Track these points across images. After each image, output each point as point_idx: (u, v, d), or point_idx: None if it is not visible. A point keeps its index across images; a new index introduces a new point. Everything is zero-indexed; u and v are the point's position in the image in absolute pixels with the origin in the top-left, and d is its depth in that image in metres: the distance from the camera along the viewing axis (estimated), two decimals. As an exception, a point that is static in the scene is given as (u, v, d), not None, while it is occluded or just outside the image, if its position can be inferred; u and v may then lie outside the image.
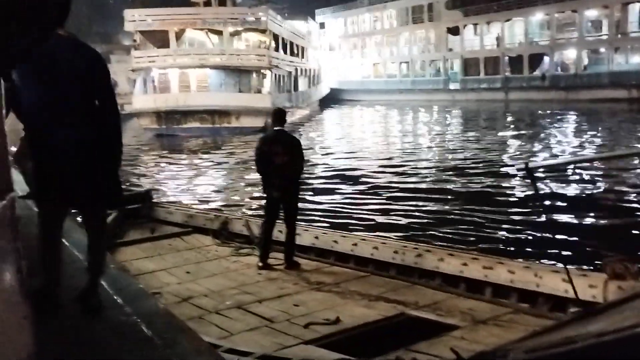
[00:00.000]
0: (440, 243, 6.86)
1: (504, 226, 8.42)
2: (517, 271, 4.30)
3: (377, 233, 8.23)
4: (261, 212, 7.48)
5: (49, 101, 2.69)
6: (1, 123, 1.64)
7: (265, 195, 5.63)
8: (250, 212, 9.28)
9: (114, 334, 2.63)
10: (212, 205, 10.99)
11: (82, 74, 2.74)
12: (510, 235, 7.94)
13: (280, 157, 5.42)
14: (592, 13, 39.79)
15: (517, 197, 10.29)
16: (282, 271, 5.32)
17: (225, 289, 4.83)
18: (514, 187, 11.28)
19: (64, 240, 3.59)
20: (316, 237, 5.79)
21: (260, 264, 5.43)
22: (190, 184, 14.56)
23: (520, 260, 4.66)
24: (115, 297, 3.04)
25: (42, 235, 2.78)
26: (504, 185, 11.72)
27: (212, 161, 18.66)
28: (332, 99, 50.06)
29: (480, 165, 14.63)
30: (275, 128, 5.60)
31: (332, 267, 5.41)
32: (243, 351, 3.40)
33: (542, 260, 5.79)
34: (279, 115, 5.68)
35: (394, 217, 9.53)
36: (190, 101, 27.67)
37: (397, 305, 4.26)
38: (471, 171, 13.67)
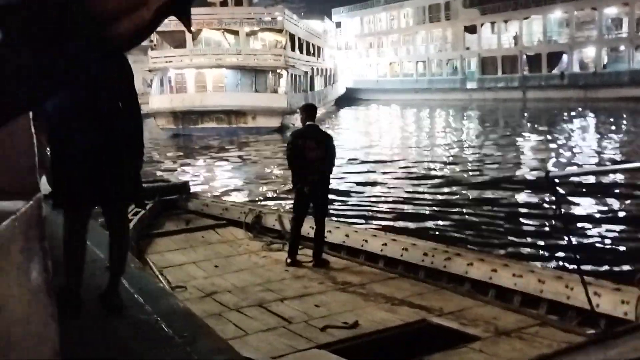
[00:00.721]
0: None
1: (521, 232, 8.25)
2: (548, 281, 4.09)
3: (404, 225, 8.16)
4: (284, 207, 7.41)
5: (75, 103, 2.72)
6: (28, 122, 1.67)
7: (295, 190, 5.55)
8: (269, 206, 9.24)
9: (135, 333, 2.66)
10: (233, 198, 11.04)
11: (106, 75, 2.78)
12: (529, 243, 7.75)
13: (313, 152, 5.39)
14: (611, 11, 39.18)
15: (538, 203, 10.03)
16: (310, 269, 5.25)
17: (250, 286, 4.81)
18: (534, 192, 10.96)
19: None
20: (347, 235, 5.69)
21: (288, 261, 5.40)
22: (212, 180, 14.67)
23: (552, 269, 4.47)
24: (136, 296, 3.07)
25: (66, 236, 2.81)
26: (524, 189, 11.43)
27: (233, 159, 18.77)
28: (348, 99, 49.99)
29: (500, 167, 14.42)
30: (307, 123, 5.57)
31: (361, 266, 5.32)
32: (246, 357, 3.33)
33: (551, 269, 5.57)
34: (310, 110, 5.69)
35: (413, 217, 9.47)
36: (206, 101, 27.73)
37: (420, 310, 4.15)
38: (490, 174, 13.46)
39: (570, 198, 10.02)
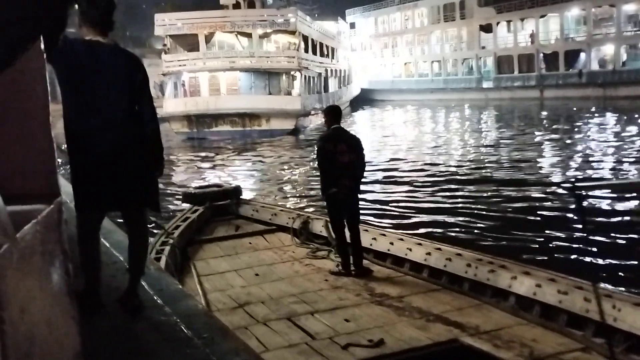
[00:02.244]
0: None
1: (547, 240, 7.98)
2: (594, 300, 3.63)
3: (425, 229, 7.94)
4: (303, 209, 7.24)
5: (94, 108, 2.75)
6: (48, 127, 1.68)
7: (326, 197, 5.36)
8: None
9: (155, 334, 2.67)
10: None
11: (125, 79, 2.81)
12: (552, 251, 7.44)
13: (345, 155, 5.23)
14: (630, 7, 38.51)
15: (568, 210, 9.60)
16: (350, 279, 5.07)
17: (285, 296, 4.71)
18: (562, 197, 10.38)
19: (104, 240, 3.68)
20: (391, 244, 5.48)
21: (343, 271, 5.20)
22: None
23: (601, 285, 4.08)
24: (155, 298, 3.08)
25: (80, 239, 2.84)
26: (551, 194, 10.82)
27: (252, 162, 18.83)
28: (363, 100, 49.86)
29: (524, 171, 14.09)
30: (333, 126, 5.40)
31: (404, 277, 5.10)
32: None
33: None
34: (335, 112, 5.52)
35: (435, 221, 9.34)
36: (220, 104, 27.71)
37: (453, 329, 3.91)
38: (514, 178, 13.08)
39: (600, 206, 9.41)
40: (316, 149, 5.48)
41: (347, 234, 5.36)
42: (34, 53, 1.59)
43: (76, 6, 2.72)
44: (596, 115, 28.34)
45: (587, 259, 6.95)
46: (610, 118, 27.08)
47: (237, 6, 31.74)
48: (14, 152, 1.67)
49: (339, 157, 5.24)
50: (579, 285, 3.97)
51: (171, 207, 10.90)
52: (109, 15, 2.81)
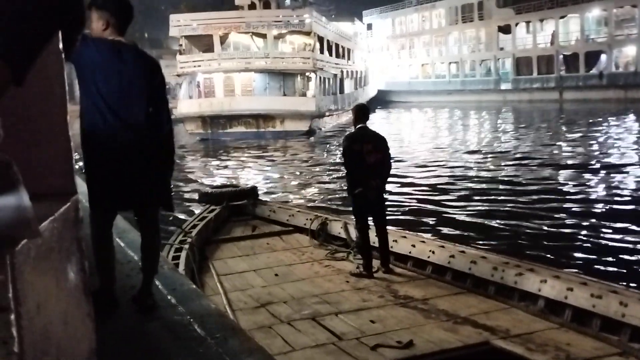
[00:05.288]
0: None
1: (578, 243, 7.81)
2: (631, 304, 3.62)
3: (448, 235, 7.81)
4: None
5: (106, 107, 2.78)
6: (66, 127, 1.70)
7: (353, 197, 5.29)
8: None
9: (168, 333, 2.69)
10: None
11: (143, 81, 2.84)
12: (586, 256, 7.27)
13: (372, 155, 5.18)
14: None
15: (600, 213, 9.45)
16: (372, 280, 5.02)
17: (307, 297, 4.66)
18: (589, 204, 10.30)
19: (118, 240, 3.72)
20: (413, 246, 5.40)
21: (364, 272, 5.12)
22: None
23: (636, 290, 3.93)
24: (169, 297, 3.11)
25: (94, 238, 2.87)
26: (577, 200, 10.72)
27: (268, 163, 18.82)
28: (380, 101, 49.62)
29: (549, 177, 13.75)
30: (359, 125, 5.35)
31: (427, 279, 5.03)
32: None
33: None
34: (364, 111, 5.46)
35: (458, 222, 9.25)
36: (235, 105, 27.56)
37: (483, 331, 3.82)
38: (537, 183, 12.76)
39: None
40: (342, 149, 5.40)
41: (371, 235, 5.30)
42: (52, 53, 1.62)
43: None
44: (620, 117, 27.82)
45: (620, 264, 6.79)
46: (631, 120, 26.60)
47: (252, 7, 31.63)
48: (32, 151, 1.69)
49: (366, 158, 5.17)
50: (613, 289, 3.87)
51: (186, 205, 10.96)
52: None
